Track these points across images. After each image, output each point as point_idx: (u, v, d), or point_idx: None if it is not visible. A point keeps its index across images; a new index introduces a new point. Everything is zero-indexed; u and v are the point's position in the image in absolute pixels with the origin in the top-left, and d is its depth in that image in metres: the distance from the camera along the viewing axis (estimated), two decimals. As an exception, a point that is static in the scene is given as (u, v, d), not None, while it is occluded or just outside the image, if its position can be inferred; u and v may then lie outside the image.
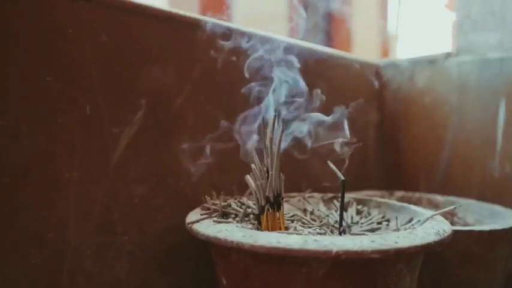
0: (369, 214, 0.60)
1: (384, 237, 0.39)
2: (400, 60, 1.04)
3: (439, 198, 0.82)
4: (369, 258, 0.37)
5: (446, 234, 0.42)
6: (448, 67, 0.94)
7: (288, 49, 0.70)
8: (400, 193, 0.85)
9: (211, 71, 0.62)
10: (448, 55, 0.95)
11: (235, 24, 0.66)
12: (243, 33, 0.65)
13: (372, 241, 0.38)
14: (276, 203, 0.47)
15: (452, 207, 0.51)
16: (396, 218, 0.51)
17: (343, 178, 0.46)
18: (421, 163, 0.98)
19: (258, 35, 0.66)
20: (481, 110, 0.90)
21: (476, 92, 0.90)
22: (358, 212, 0.61)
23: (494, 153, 0.88)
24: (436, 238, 0.41)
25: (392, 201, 0.59)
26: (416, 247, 0.39)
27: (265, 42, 0.67)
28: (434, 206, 0.80)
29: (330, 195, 0.65)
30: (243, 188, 0.59)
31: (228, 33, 0.63)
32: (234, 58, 0.64)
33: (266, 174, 0.48)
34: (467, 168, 0.92)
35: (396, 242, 0.38)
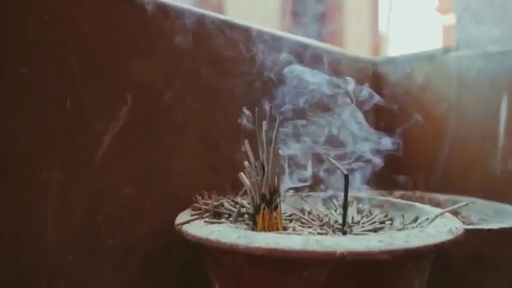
0: (371, 213, 0.57)
1: (393, 236, 0.36)
2: (397, 57, 1.01)
3: (440, 197, 0.79)
4: (377, 260, 0.34)
5: (459, 233, 0.39)
6: (447, 62, 0.92)
7: (282, 44, 0.67)
8: (399, 192, 0.82)
9: (203, 64, 0.58)
10: (447, 50, 0.92)
11: (228, 16, 0.63)
12: (236, 26, 0.62)
13: (380, 241, 0.35)
14: (272, 201, 0.44)
15: (464, 203, 0.48)
16: (403, 216, 0.48)
17: (346, 173, 0.43)
18: (420, 161, 0.95)
19: (253, 29, 0.63)
20: (482, 105, 0.87)
21: (477, 87, 0.87)
22: (359, 211, 0.57)
23: (496, 150, 0.85)
24: (450, 237, 0.37)
25: (396, 199, 0.56)
26: (428, 247, 0.35)
27: (260, 36, 0.64)
28: (436, 205, 0.77)
29: (329, 194, 0.62)
30: (237, 188, 0.55)
31: (220, 26, 0.60)
32: (227, 51, 0.61)
33: (262, 171, 0.44)
34: (468, 166, 0.89)
35: (406, 242, 0.35)
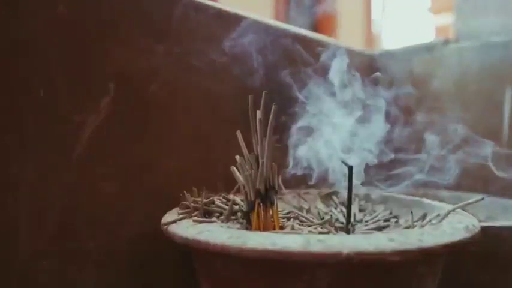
0: (374, 211, 0.53)
1: (405, 234, 0.32)
2: (395, 49, 0.98)
3: (444, 193, 0.75)
4: (388, 261, 0.30)
5: (476, 230, 0.35)
6: (448, 54, 0.88)
7: (275, 33, 0.64)
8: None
9: (192, 54, 0.54)
10: (447, 41, 0.89)
11: (219, 4, 0.59)
12: (227, 14, 0.58)
13: (391, 239, 0.31)
14: (268, 197, 0.40)
15: (480, 198, 0.44)
16: (411, 212, 0.44)
17: (350, 164, 0.39)
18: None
19: (245, 17, 0.60)
20: (485, 98, 0.84)
21: (479, 79, 0.84)
22: (361, 209, 0.54)
23: (500, 145, 0.82)
24: (467, 234, 0.33)
25: (401, 195, 0.52)
26: (445, 246, 0.31)
27: (252, 25, 0.61)
28: (440, 202, 0.74)
29: (328, 191, 0.58)
30: (231, 186, 0.51)
31: (212, 14, 0.56)
32: (217, 39, 0.57)
33: (256, 164, 0.40)
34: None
35: (421, 240, 0.31)
